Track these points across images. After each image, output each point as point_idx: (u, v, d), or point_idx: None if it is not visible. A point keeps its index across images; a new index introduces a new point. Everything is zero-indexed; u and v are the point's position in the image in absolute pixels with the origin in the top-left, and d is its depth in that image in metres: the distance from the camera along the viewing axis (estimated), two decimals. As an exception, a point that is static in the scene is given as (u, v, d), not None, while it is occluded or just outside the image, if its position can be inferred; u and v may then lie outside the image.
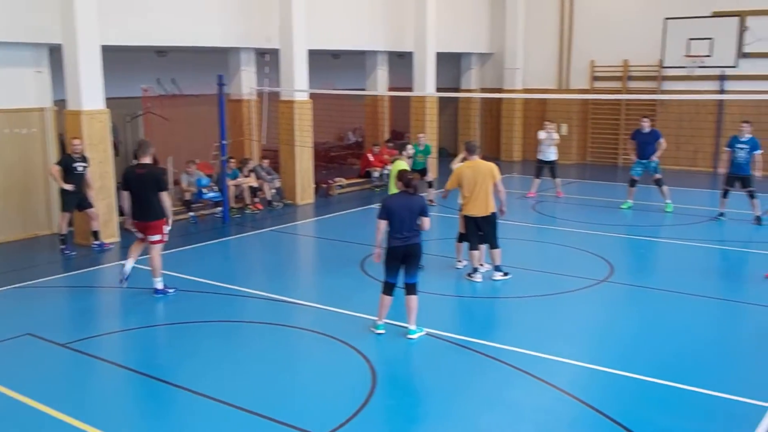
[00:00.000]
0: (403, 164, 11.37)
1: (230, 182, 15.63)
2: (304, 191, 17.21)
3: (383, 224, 8.44)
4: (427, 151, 17.08)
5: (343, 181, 18.78)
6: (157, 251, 10.21)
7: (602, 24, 22.69)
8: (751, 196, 14.29)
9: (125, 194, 10.14)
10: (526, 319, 9.33)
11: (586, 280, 10.73)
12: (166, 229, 10.27)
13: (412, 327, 8.56)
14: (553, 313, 9.53)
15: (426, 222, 8.54)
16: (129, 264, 10.20)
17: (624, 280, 10.82)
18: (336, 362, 7.97)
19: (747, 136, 14.20)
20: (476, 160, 10.64)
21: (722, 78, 20.72)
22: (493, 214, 10.65)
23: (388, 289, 8.62)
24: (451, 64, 24.59)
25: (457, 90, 24.64)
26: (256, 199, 16.40)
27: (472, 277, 10.77)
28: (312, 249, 14.02)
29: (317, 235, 14.79)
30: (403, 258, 8.48)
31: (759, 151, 14.14)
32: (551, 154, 17.17)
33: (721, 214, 14.65)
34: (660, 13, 20.77)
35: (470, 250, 10.78)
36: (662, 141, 15.66)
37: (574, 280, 10.69)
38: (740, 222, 14.35)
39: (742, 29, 19.94)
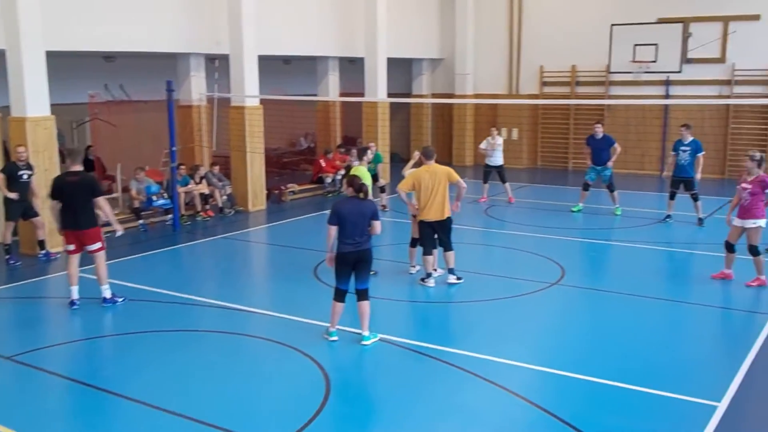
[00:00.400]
0: (363, 170, 11.39)
1: (181, 189, 15.43)
2: (256, 198, 17.08)
3: (334, 230, 8.41)
4: (378, 160, 17.05)
5: (296, 187, 18.70)
6: (101, 259, 10.02)
7: (550, 30, 22.99)
8: (695, 198, 14.58)
9: (56, 204, 9.90)
10: (479, 324, 9.37)
11: (537, 284, 10.83)
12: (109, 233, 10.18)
13: (366, 333, 8.54)
14: (505, 317, 9.59)
15: (377, 226, 8.53)
16: (75, 292, 9.96)
17: (575, 283, 10.94)
18: (289, 370, 7.91)
19: (689, 139, 14.55)
20: (433, 164, 10.68)
21: (667, 83, 21.16)
22: (449, 218, 10.71)
23: (340, 295, 8.59)
24: (402, 69, 24.67)
25: (408, 95, 24.73)
26: (207, 206, 16.22)
27: (425, 282, 10.78)
28: (264, 256, 13.91)
29: (270, 242, 14.69)
30: (354, 264, 8.46)
31: (702, 153, 14.53)
32: (498, 158, 17.31)
33: (669, 216, 14.92)
34: (606, 19, 21.12)
35: (424, 255, 10.78)
36: (616, 146, 15.92)
37: (526, 284, 10.78)
38: (685, 224, 14.64)
39: (686, 35, 20.39)
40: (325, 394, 7.22)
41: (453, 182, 10.63)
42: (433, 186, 10.49)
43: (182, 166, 15.74)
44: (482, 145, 17.51)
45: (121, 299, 10.12)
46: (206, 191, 16.22)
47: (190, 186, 15.86)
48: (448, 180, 10.58)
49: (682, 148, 14.55)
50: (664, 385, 7.33)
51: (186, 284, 11.21)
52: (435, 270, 10.98)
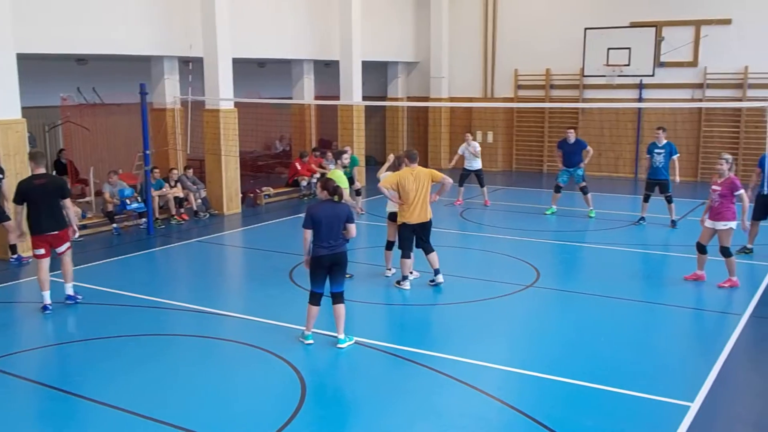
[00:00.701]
0: (339, 173, 11.36)
1: (155, 193, 15.32)
2: (231, 201, 17.00)
3: (309, 233, 8.37)
4: (354, 163, 16.98)
5: (271, 191, 18.63)
6: (69, 257, 10.16)
7: (525, 34, 23.12)
8: (668, 201, 14.69)
9: (20, 209, 9.82)
10: (454, 326, 9.38)
11: (513, 286, 10.87)
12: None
13: (341, 336, 8.52)
14: (481, 319, 9.61)
15: (352, 229, 8.50)
16: (47, 297, 9.90)
17: (550, 285, 11.00)
18: (265, 373, 7.87)
19: (664, 141, 14.66)
20: (416, 167, 10.64)
21: (641, 86, 21.36)
22: (430, 220, 10.73)
23: (316, 299, 8.55)
24: (377, 72, 24.69)
25: (383, 98, 24.73)
26: (182, 210, 16.12)
27: (401, 284, 10.78)
28: (239, 259, 13.84)
29: (245, 245, 14.61)
30: (329, 267, 8.43)
31: (676, 155, 14.66)
32: (476, 163, 17.38)
33: (642, 219, 15.05)
34: (580, 23, 21.26)
35: (403, 258, 10.75)
36: (589, 149, 16.05)
37: (502, 286, 10.81)
38: (659, 226, 14.77)
39: (659, 39, 20.58)
40: (301, 397, 7.19)
41: (437, 181, 10.63)
42: (416, 189, 10.47)
43: (156, 170, 15.63)
44: (460, 151, 17.55)
45: (80, 297, 10.21)
46: (181, 195, 16.12)
47: (164, 189, 15.75)
48: (432, 180, 10.59)
49: (657, 150, 14.65)
50: (638, 385, 7.39)
51: (160, 288, 11.12)
52: (411, 273, 10.99)
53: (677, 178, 14.65)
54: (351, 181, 16.63)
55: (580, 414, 6.87)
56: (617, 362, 8.08)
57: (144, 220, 15.12)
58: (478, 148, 17.34)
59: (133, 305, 10.14)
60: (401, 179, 10.53)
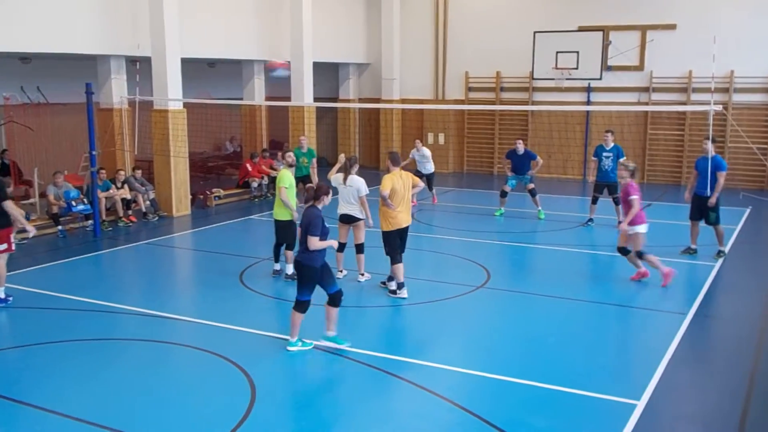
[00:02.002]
0: (288, 174, 11.28)
1: (101, 194, 15.05)
2: (181, 202, 16.78)
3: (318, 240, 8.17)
4: (311, 154, 16.97)
5: (221, 192, 18.45)
6: (4, 260, 10.00)
7: (475, 37, 23.29)
8: (616, 202, 14.70)
9: None
10: (407, 328, 9.40)
11: (464, 287, 10.93)
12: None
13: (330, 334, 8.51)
14: (432, 321, 9.65)
15: (310, 242, 8.17)
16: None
17: (500, 286, 11.08)
18: (214, 378, 7.78)
19: (611, 145, 14.85)
20: (400, 171, 10.47)
21: (589, 89, 21.68)
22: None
23: (304, 306, 8.37)
24: (329, 74, 24.64)
25: (335, 100, 24.70)
26: (130, 212, 15.87)
27: (399, 293, 10.42)
28: (189, 262, 13.66)
29: (194, 248, 14.44)
30: (322, 273, 8.30)
31: (623, 159, 14.73)
32: (429, 167, 17.42)
33: (591, 220, 15.25)
34: (529, 26, 21.51)
35: (396, 264, 10.39)
36: (539, 159, 16.14)
37: (453, 287, 10.86)
38: (607, 227, 14.98)
39: (606, 43, 20.92)
40: (251, 401, 7.13)
41: (415, 184, 10.58)
42: (403, 192, 10.34)
43: (103, 171, 15.35)
44: (411, 155, 17.59)
45: (10, 298, 10.07)
46: (128, 196, 15.87)
47: (111, 191, 15.49)
48: (412, 186, 10.51)
49: (605, 153, 14.83)
50: (586, 385, 7.49)
51: (108, 292, 10.91)
52: (341, 271, 11.13)
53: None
54: (307, 179, 16.76)
55: (529, 414, 6.92)
56: (566, 362, 8.18)
57: (90, 222, 14.84)
58: (428, 153, 17.39)
59: (79, 309, 9.94)
60: (394, 183, 10.31)
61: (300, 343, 8.40)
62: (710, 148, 12.32)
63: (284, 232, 11.17)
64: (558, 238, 14.33)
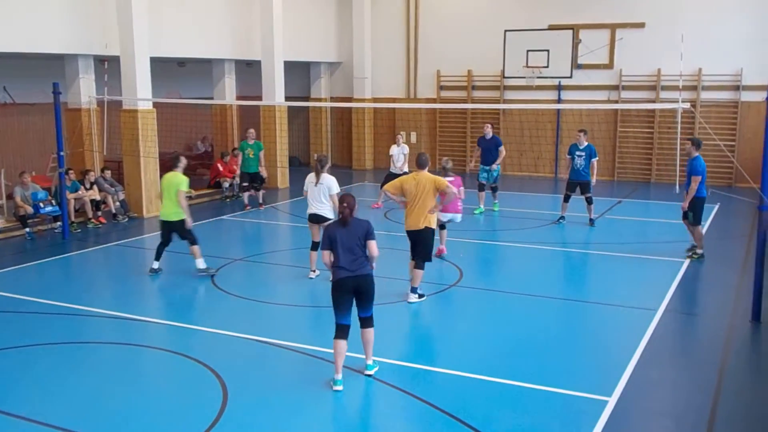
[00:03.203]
0: (179, 177, 11.29)
1: (70, 195, 14.86)
2: (151, 203, 16.61)
3: (327, 254, 7.59)
4: (258, 147, 17.11)
5: (192, 192, 18.26)
6: None
7: (446, 35, 23.34)
8: (588, 201, 14.99)
9: None
10: (378, 327, 9.35)
11: (436, 286, 10.93)
12: None
13: (369, 362, 7.78)
14: (402, 320, 9.64)
15: (372, 247, 7.60)
16: None
17: (472, 284, 11.11)
18: (186, 380, 7.72)
19: (585, 144, 14.92)
20: (422, 173, 10.18)
21: (559, 88, 21.81)
22: (427, 229, 10.12)
23: (342, 331, 7.51)
24: (300, 72, 24.56)
25: (307, 99, 24.62)
26: (99, 213, 15.69)
27: (422, 297, 10.27)
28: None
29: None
30: (353, 292, 7.54)
31: (596, 158, 14.98)
32: (405, 166, 17.36)
33: (562, 218, 15.34)
34: (500, 25, 21.57)
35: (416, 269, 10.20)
36: (502, 149, 16.27)
37: (425, 286, 10.83)
38: (577, 225, 15.08)
39: (576, 42, 21.06)
40: (223, 402, 7.07)
41: (442, 189, 10.11)
42: (415, 195, 10.02)
43: (71, 171, 15.15)
44: (393, 150, 17.47)
45: None
46: (98, 197, 15.68)
47: (80, 192, 15.29)
48: (436, 190, 10.07)
49: (578, 152, 14.90)
50: (557, 382, 7.53)
51: (77, 294, 10.79)
52: (313, 271, 11.09)
53: (594, 180, 14.97)
54: (257, 178, 16.73)
55: (501, 412, 6.94)
56: (537, 359, 8.21)
57: (59, 223, 14.65)
58: (406, 150, 17.35)
59: (47, 313, 9.81)
60: (404, 183, 10.22)
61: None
62: (691, 150, 12.18)
63: (185, 231, 11.42)
64: (529, 236, 14.40)
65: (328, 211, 10.89)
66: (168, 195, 11.33)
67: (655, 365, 8.18)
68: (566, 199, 15.27)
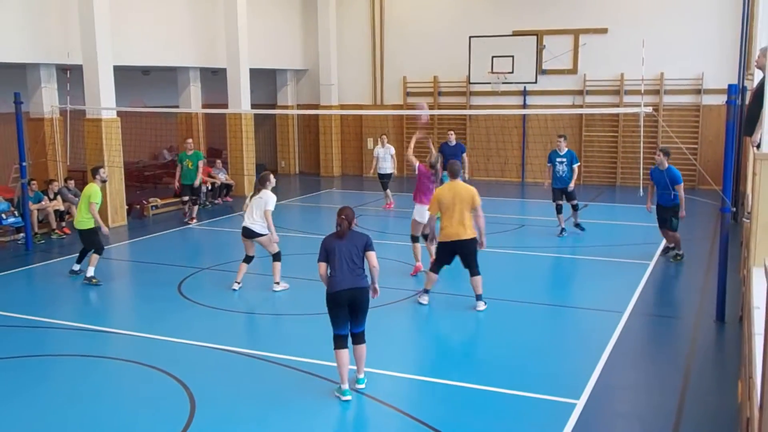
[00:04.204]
0: (96, 189, 11.54)
1: (33, 206, 14.65)
2: (116, 213, 16.44)
3: (323, 266, 7.46)
4: (197, 156, 16.77)
5: (158, 201, 18.13)
6: None
7: (412, 41, 23.41)
8: (575, 208, 14.59)
9: None
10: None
11: (406, 292, 10.93)
12: None
13: (361, 375, 7.55)
14: (375, 327, 9.59)
15: (372, 258, 7.48)
16: None
17: (444, 290, 11.09)
18: (153, 391, 7.62)
19: (565, 150, 14.53)
20: (457, 182, 9.99)
21: (524, 93, 21.98)
22: (473, 239, 9.99)
23: (340, 341, 7.37)
24: (266, 80, 24.48)
25: (273, 106, 24.54)
26: (63, 223, 15.48)
27: (420, 299, 10.38)
28: (126, 273, 13.36)
29: (131, 259, 14.15)
30: (349, 305, 7.35)
31: (577, 164, 14.60)
32: (388, 167, 17.43)
33: (563, 230, 14.60)
34: (465, 31, 21.70)
35: (428, 271, 10.30)
36: (465, 156, 16.23)
37: (395, 292, 10.83)
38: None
39: (540, 47, 21.25)
40: (190, 413, 7.00)
41: (475, 206, 9.89)
42: (453, 204, 9.81)
43: (34, 182, 14.94)
44: (376, 153, 17.53)
45: None
46: (61, 208, 15.47)
47: (43, 203, 15.08)
48: (472, 203, 9.86)
49: (559, 159, 14.47)
50: (525, 385, 7.55)
51: (41, 306, 10.62)
52: (278, 283, 11.03)
53: (572, 185, 14.49)
54: (196, 190, 16.71)
55: (469, 417, 6.95)
56: (505, 363, 8.24)
57: (22, 235, 14.44)
58: (392, 151, 17.40)
59: (9, 325, 9.64)
60: (440, 197, 9.91)
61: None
62: (663, 160, 12.39)
63: (90, 239, 11.84)
64: (496, 241, 14.41)
65: (260, 227, 10.83)
66: (84, 206, 11.78)
67: (623, 367, 8.25)
68: (558, 209, 14.56)
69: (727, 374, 7.96)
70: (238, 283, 11.12)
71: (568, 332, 9.56)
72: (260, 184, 10.93)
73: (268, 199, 10.79)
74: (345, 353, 7.34)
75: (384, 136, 18.06)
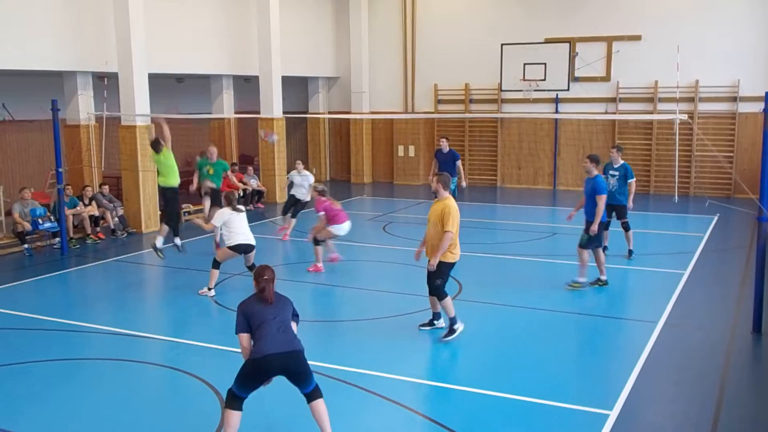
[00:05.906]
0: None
1: (68, 211, 14.86)
2: (150, 218, 16.62)
3: (246, 338, 6.47)
4: (221, 165, 15.21)
5: (190, 207, 18.28)
6: None
7: (443, 49, 23.42)
8: (626, 228, 13.30)
9: None
10: (375, 341, 9.33)
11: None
12: None
13: None
14: (401, 334, 9.58)
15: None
16: None
17: (472, 298, 11.06)
18: (183, 396, 7.68)
19: (620, 162, 13.17)
20: (440, 198, 9.27)
21: (557, 101, 21.86)
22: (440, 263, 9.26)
23: (239, 403, 6.36)
24: (298, 88, 24.62)
25: (305, 114, 24.68)
26: (98, 229, 15.68)
27: (456, 328, 9.24)
28: (159, 279, 13.48)
29: (164, 264, 14.24)
30: (282, 371, 6.38)
31: (632, 179, 13.30)
32: (304, 194, 15.67)
33: (606, 248, 13.00)
34: (497, 39, 21.67)
35: (446, 298, 9.25)
36: (459, 164, 15.67)
37: (422, 300, 10.79)
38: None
39: (573, 55, 21.13)
40: (222, 419, 7.02)
41: (443, 224, 9.06)
42: (429, 221, 9.31)
43: (69, 187, 15.16)
44: (290, 177, 15.89)
45: None
46: (96, 213, 15.68)
47: (78, 208, 15.29)
48: (439, 221, 9.12)
49: (612, 172, 13.12)
50: (558, 395, 7.49)
51: (75, 310, 10.76)
52: (210, 289, 11.25)
53: (631, 204, 13.35)
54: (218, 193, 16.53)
55: (503, 427, 6.91)
56: (539, 373, 8.18)
57: (57, 239, 14.64)
58: (312, 179, 15.36)
59: (46, 329, 9.78)
60: (457, 213, 9.18)
61: None
62: (591, 168, 11.37)
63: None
64: (527, 249, 14.37)
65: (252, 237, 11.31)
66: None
67: (657, 378, 8.15)
68: (605, 226, 12.34)
69: (764, 387, 7.84)
70: (211, 289, 11.33)
71: (601, 342, 9.47)
72: (228, 203, 11.28)
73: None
74: (237, 416, 6.24)
75: (299, 162, 15.85)
